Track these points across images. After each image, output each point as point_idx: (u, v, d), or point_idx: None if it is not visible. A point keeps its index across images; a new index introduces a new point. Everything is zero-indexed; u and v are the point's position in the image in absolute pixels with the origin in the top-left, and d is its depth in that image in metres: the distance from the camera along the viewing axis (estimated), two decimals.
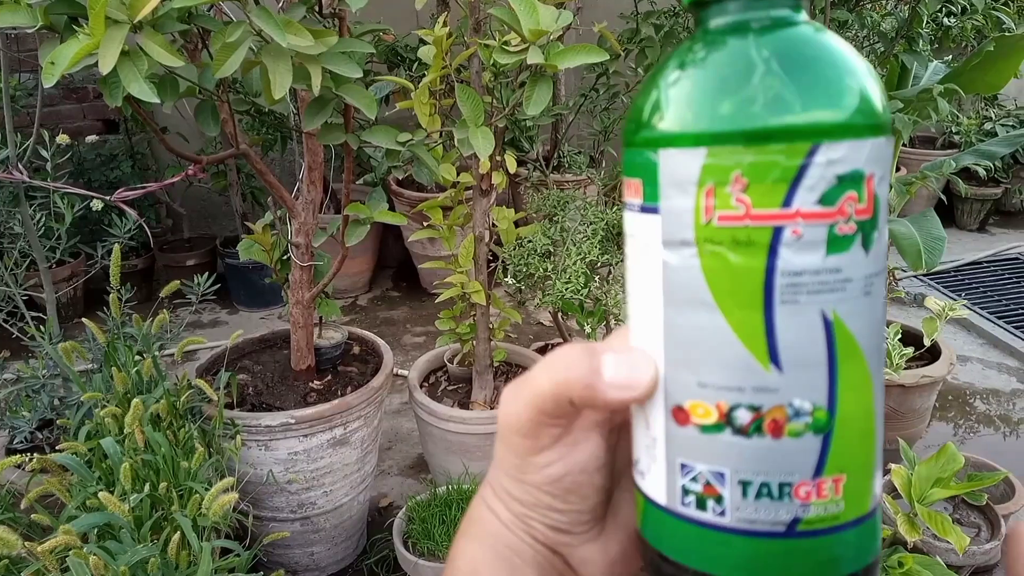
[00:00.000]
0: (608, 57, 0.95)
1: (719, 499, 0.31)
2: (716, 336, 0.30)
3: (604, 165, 2.75)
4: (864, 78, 0.29)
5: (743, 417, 0.30)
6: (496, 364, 1.80)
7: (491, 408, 1.74)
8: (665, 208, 0.30)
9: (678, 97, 0.30)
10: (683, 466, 0.31)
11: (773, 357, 0.29)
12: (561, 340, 1.95)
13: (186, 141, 2.95)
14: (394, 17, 1.28)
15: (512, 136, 1.47)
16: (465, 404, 1.80)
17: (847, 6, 1.38)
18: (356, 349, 1.86)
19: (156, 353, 1.36)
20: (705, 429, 0.30)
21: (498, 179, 1.51)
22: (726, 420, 0.30)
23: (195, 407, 1.38)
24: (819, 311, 0.29)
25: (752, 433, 0.30)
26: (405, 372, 2.46)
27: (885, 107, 0.30)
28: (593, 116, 1.78)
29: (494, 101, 1.41)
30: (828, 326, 0.29)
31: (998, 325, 2.58)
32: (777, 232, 0.28)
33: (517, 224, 1.68)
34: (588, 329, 1.58)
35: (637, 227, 0.32)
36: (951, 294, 2.80)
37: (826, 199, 0.28)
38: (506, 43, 0.98)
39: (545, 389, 0.32)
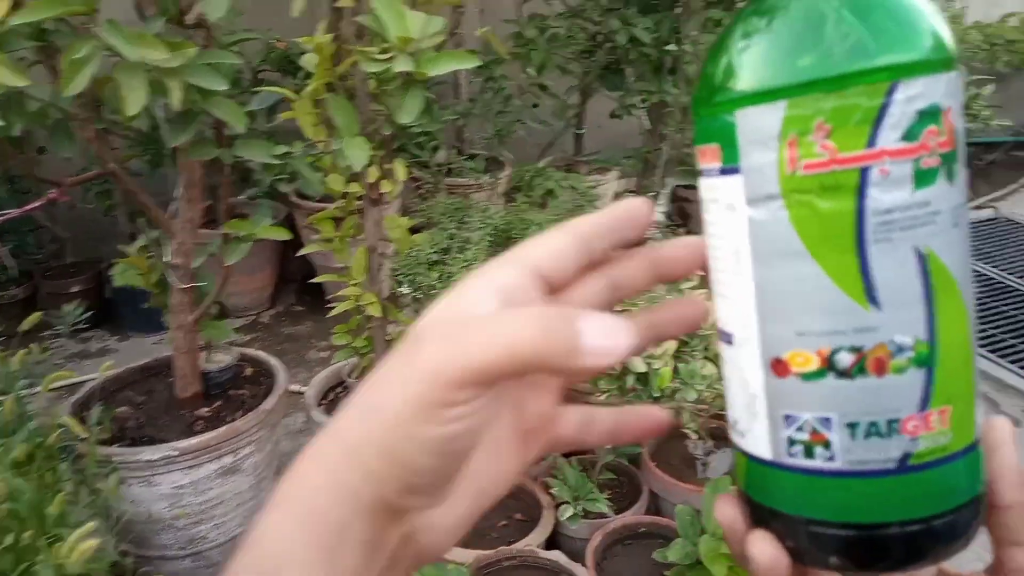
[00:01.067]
0: (479, 63, 0.93)
1: (827, 444, 0.31)
2: (811, 283, 0.30)
3: (505, 169, 2.74)
4: (931, 16, 0.30)
5: (845, 360, 0.30)
6: None
7: None
8: (746, 166, 0.31)
9: (751, 56, 0.30)
10: (787, 417, 0.32)
11: (871, 297, 0.30)
12: None
13: (68, 160, 2.79)
14: (291, 24, 1.23)
15: (402, 143, 1.44)
16: None
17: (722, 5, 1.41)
18: (248, 371, 1.79)
19: (20, 392, 1.27)
20: (807, 377, 0.31)
21: (388, 187, 1.48)
22: (828, 365, 0.30)
23: (68, 446, 1.29)
24: (912, 247, 0.30)
25: (856, 374, 0.30)
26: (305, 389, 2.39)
27: (953, 42, 0.31)
28: (487, 120, 1.76)
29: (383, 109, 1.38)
30: (922, 260, 0.30)
31: None
32: (864, 173, 0.29)
33: (419, 232, 1.65)
34: None
35: (719, 191, 0.32)
36: None
37: (909, 135, 0.29)
38: (381, 51, 0.95)
39: (525, 349, 0.28)
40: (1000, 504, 0.33)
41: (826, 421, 0.31)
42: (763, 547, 0.33)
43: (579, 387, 1.66)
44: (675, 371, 1.47)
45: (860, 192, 0.29)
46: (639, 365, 1.43)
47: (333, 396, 1.86)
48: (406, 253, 1.35)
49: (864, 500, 0.31)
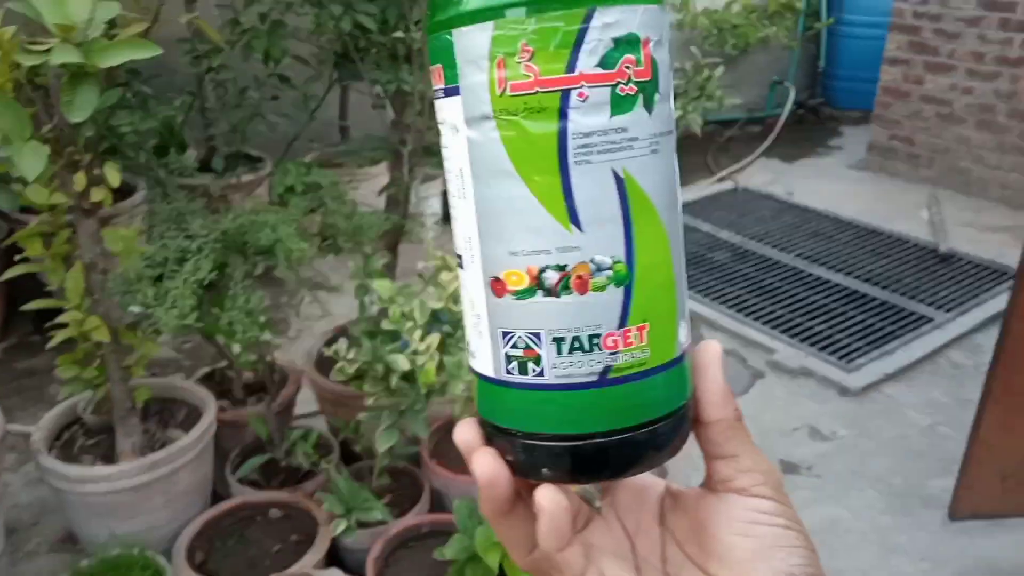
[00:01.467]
0: (159, 51, 0.82)
1: (537, 360, 0.32)
2: (520, 203, 0.31)
3: (265, 166, 2.57)
4: None
5: (551, 278, 0.31)
6: (142, 405, 1.59)
7: (142, 456, 1.53)
8: (464, 87, 0.31)
9: None
10: (504, 334, 0.33)
11: (573, 217, 0.31)
12: (228, 363, 1.78)
13: None
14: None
15: (112, 145, 1.28)
16: (110, 457, 1.56)
17: None
18: None
19: None
20: (519, 295, 0.32)
21: (100, 195, 1.31)
22: (537, 283, 0.32)
23: None
24: (610, 169, 0.31)
25: (561, 292, 0.31)
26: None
27: None
28: (222, 114, 1.62)
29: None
30: (620, 183, 0.31)
31: None
32: (565, 96, 0.30)
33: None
34: (238, 349, 1.45)
35: (445, 112, 0.33)
36: None
37: (606, 62, 0.30)
38: (33, 41, 0.82)
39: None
40: (706, 420, 0.35)
41: (536, 337, 0.32)
42: (484, 463, 0.34)
43: (345, 392, 1.58)
44: (440, 365, 1.44)
45: (562, 114, 0.30)
46: (403, 363, 1.38)
47: (68, 436, 1.64)
48: (124, 269, 1.20)
49: (571, 413, 0.33)
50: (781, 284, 2.80)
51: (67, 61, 0.78)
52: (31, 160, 0.84)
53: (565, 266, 0.31)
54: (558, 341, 0.32)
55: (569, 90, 0.30)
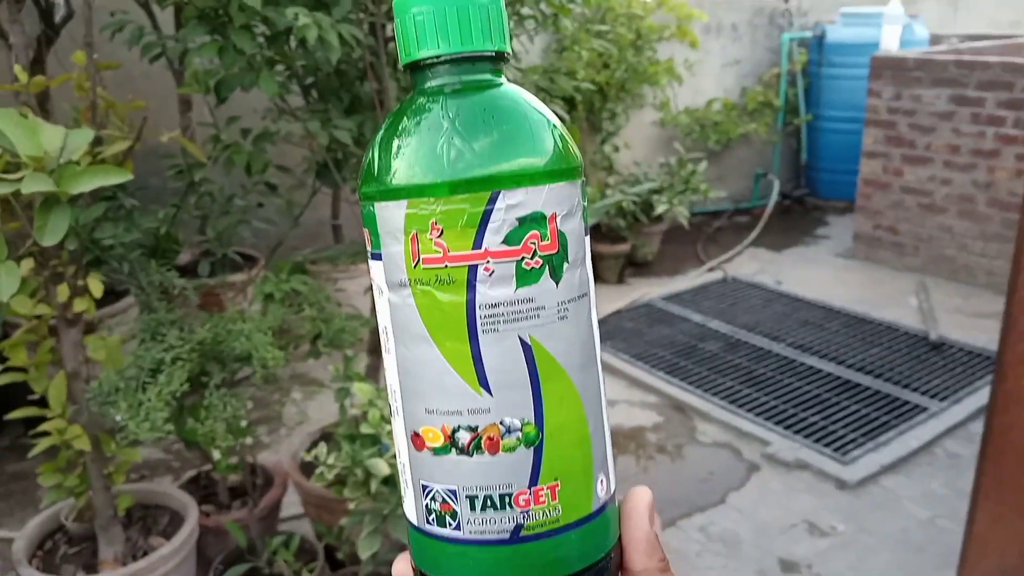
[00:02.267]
0: (129, 176, 0.86)
1: (454, 514, 0.34)
2: (435, 366, 0.33)
3: (258, 266, 2.61)
4: (542, 131, 0.33)
5: (464, 437, 0.33)
6: (125, 512, 1.57)
7: (123, 565, 1.50)
8: (385, 254, 0.34)
9: (383, 156, 0.33)
10: (424, 487, 0.34)
11: (483, 381, 0.32)
12: (211, 466, 1.77)
13: None
14: None
15: (96, 256, 1.31)
16: (92, 566, 1.53)
17: None
18: None
19: None
20: (436, 451, 0.33)
21: (83, 306, 1.33)
22: (451, 441, 0.33)
23: None
24: (517, 337, 0.32)
25: (473, 451, 0.33)
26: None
27: (566, 154, 0.34)
28: (208, 221, 1.67)
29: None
30: (527, 349, 0.32)
31: (636, 366, 2.86)
32: (472, 270, 0.32)
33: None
34: (218, 455, 1.44)
35: (373, 273, 0.35)
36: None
37: (510, 239, 0.32)
38: (15, 166, 0.85)
39: None
40: (632, 569, 0.36)
41: (452, 493, 0.34)
42: None
43: (328, 495, 1.56)
44: None
45: (470, 286, 0.32)
46: (383, 468, 1.37)
47: (51, 545, 1.61)
48: (100, 381, 1.21)
49: (485, 567, 0.34)
50: (773, 374, 2.80)
51: (38, 190, 0.82)
52: (5, 281, 0.87)
53: (476, 427, 0.33)
54: (471, 498, 0.33)
55: (476, 265, 0.32)
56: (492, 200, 0.32)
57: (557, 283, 0.33)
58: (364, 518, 1.40)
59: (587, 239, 0.36)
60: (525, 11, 1.38)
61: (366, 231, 0.35)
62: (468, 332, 0.32)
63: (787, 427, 2.45)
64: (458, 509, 0.34)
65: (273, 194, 1.63)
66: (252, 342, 1.15)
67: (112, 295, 2.29)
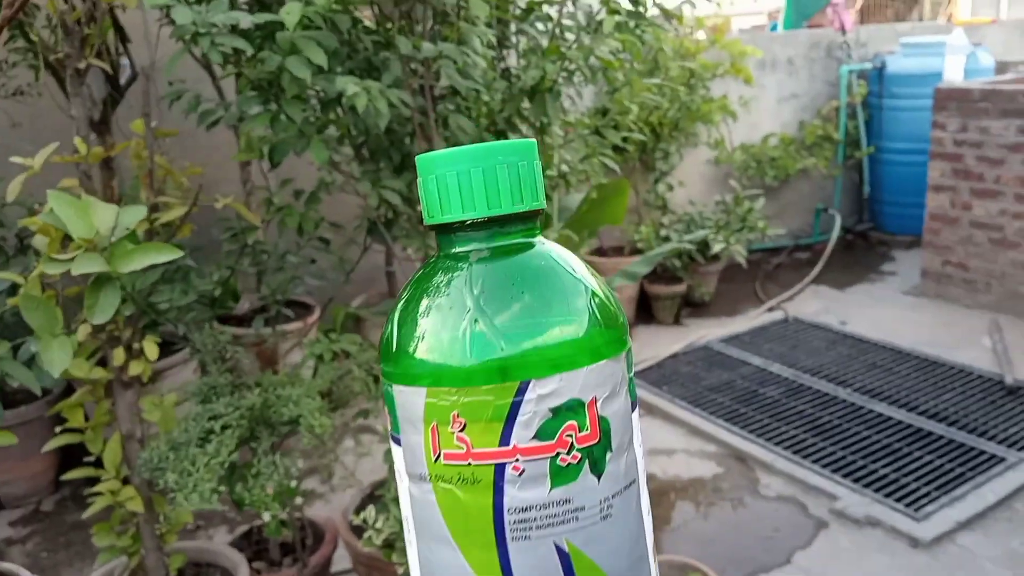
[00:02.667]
0: (180, 254, 0.87)
1: None
2: (458, 573, 0.29)
3: (314, 313, 2.64)
4: (577, 303, 0.29)
5: None
6: (177, 572, 1.57)
7: None
8: (405, 442, 0.30)
9: (402, 334, 0.30)
10: None
11: None
12: (262, 523, 1.76)
13: None
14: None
15: (152, 320, 1.32)
16: None
17: None
18: None
19: None
20: None
21: (138, 368, 1.35)
22: None
23: None
24: (552, 544, 0.28)
25: None
26: None
27: (606, 325, 0.29)
28: (263, 278, 1.69)
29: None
30: (565, 559, 0.28)
31: (695, 413, 2.79)
32: (499, 470, 0.28)
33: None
34: (268, 518, 1.43)
35: (395, 454, 0.31)
36: (654, 388, 2.99)
37: (543, 433, 0.28)
38: (62, 249, 0.87)
39: None
40: None
41: None
42: None
43: (378, 556, 1.54)
44: None
45: (496, 488, 0.28)
46: None
47: None
48: (149, 451, 1.21)
49: None
50: (840, 422, 2.69)
51: (89, 271, 0.83)
52: (58, 355, 0.88)
53: None
54: None
55: (503, 464, 0.28)
56: (521, 390, 0.28)
57: (599, 478, 0.29)
58: None
59: (634, 415, 0.31)
60: (572, 66, 1.37)
61: (386, 410, 0.32)
62: (496, 539, 0.28)
63: (855, 480, 2.34)
64: None
65: (326, 250, 1.64)
66: (300, 407, 1.14)
67: (168, 346, 2.34)
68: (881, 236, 4.66)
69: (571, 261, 0.31)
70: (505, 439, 0.28)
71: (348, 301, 2.84)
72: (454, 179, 0.30)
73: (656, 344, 3.40)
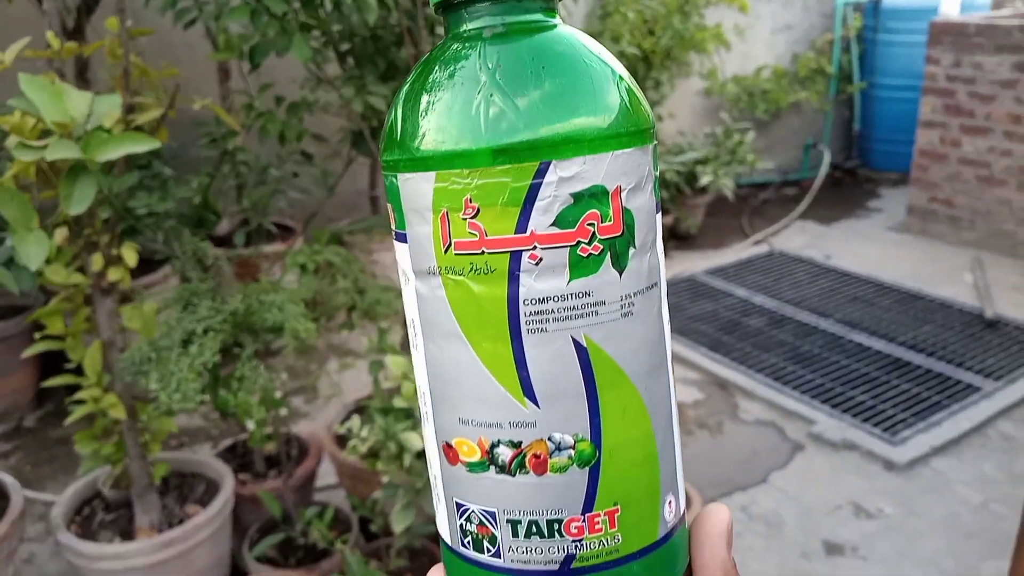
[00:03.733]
0: (158, 144, 0.83)
1: (493, 539, 0.29)
2: (469, 370, 0.28)
3: (296, 237, 2.61)
4: (605, 85, 0.27)
5: (505, 454, 0.28)
6: (161, 480, 1.58)
7: (159, 532, 1.51)
8: (411, 236, 0.28)
9: (408, 117, 0.28)
10: (459, 505, 0.30)
11: (527, 391, 0.27)
12: (248, 436, 1.77)
13: None
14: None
15: (131, 225, 1.30)
16: (129, 532, 1.55)
17: None
18: None
19: None
20: (471, 467, 0.29)
21: (117, 275, 1.32)
22: (489, 457, 0.28)
23: None
24: (570, 338, 0.27)
25: (516, 470, 0.28)
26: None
27: (635, 112, 0.27)
28: (244, 191, 1.65)
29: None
30: (583, 353, 0.27)
31: (678, 341, 2.81)
32: (515, 258, 0.26)
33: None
34: (252, 425, 1.43)
35: (398, 255, 0.30)
36: None
37: (562, 220, 0.26)
38: (47, 133, 0.84)
39: None
40: None
41: (491, 515, 0.29)
42: None
43: (362, 467, 1.55)
44: None
45: (511, 278, 0.26)
46: (416, 442, 1.35)
47: (88, 511, 1.64)
48: (131, 351, 1.20)
49: None
50: (820, 351, 2.72)
51: (63, 157, 0.80)
52: (34, 249, 0.85)
53: (520, 443, 0.28)
54: (513, 523, 0.28)
55: (520, 252, 0.26)
56: (540, 172, 0.26)
57: (621, 273, 0.27)
58: (398, 491, 1.38)
59: (659, 216, 0.29)
60: None
61: (389, 206, 0.29)
62: (510, 332, 0.27)
63: (834, 406, 2.38)
64: (498, 534, 0.29)
65: (309, 163, 1.61)
66: (284, 313, 1.13)
67: (150, 264, 2.31)
68: (869, 173, 4.65)
69: (596, 46, 0.29)
70: (522, 225, 0.26)
71: (329, 227, 2.81)
72: None
73: None
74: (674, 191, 3.62)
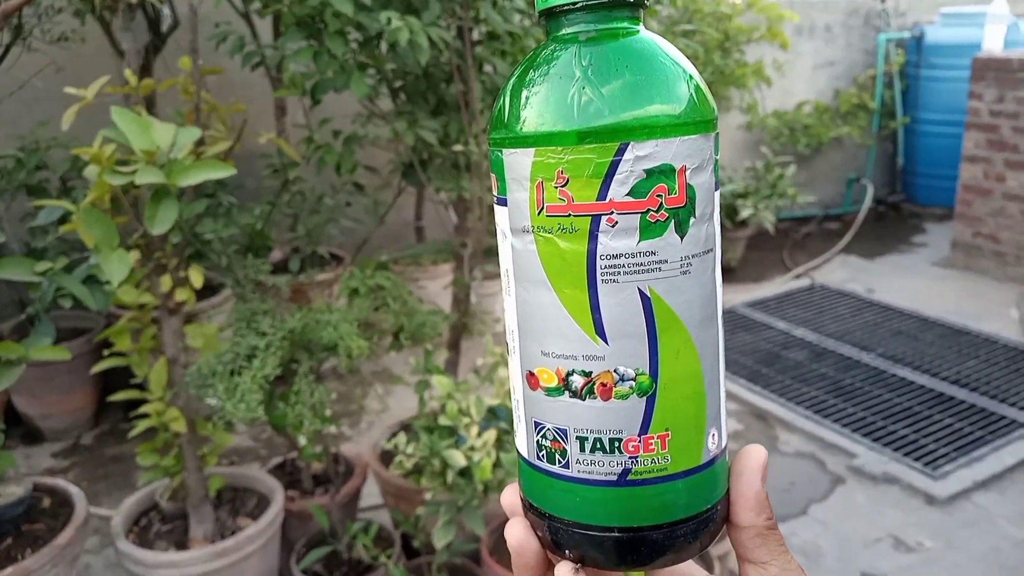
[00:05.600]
0: (233, 171, 0.92)
1: (563, 452, 0.35)
2: (552, 311, 0.34)
3: (345, 264, 2.70)
4: (676, 81, 0.33)
5: (577, 381, 0.34)
6: (216, 493, 1.65)
7: (212, 543, 1.58)
8: (511, 200, 0.34)
9: (513, 102, 0.34)
10: (536, 424, 0.36)
11: (599, 330, 0.33)
12: (298, 453, 1.84)
13: None
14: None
15: (198, 249, 1.39)
16: (183, 543, 1.62)
17: None
18: (46, 502, 1.63)
19: None
20: (549, 392, 0.35)
21: (184, 296, 1.41)
22: (564, 384, 0.34)
23: None
24: (636, 288, 0.33)
25: (586, 395, 0.34)
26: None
27: (701, 105, 0.33)
28: (300, 219, 1.74)
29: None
30: (646, 301, 0.33)
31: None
32: (595, 221, 0.32)
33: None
34: (304, 441, 1.50)
35: (497, 217, 0.36)
36: None
37: (636, 191, 0.32)
38: (124, 162, 0.92)
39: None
40: (737, 524, 0.37)
41: (563, 432, 0.35)
42: (515, 531, 0.37)
43: (406, 485, 1.61)
44: (497, 461, 1.45)
45: (591, 237, 0.32)
46: (459, 459, 1.40)
47: (145, 522, 1.72)
48: (199, 365, 1.28)
49: (592, 506, 0.35)
50: (862, 385, 2.71)
51: (150, 182, 0.88)
52: (117, 267, 0.93)
53: (590, 373, 0.34)
54: (581, 439, 0.34)
55: (599, 216, 0.32)
56: (620, 151, 0.32)
57: (682, 237, 0.33)
58: (440, 508, 1.43)
59: (717, 194, 0.35)
60: None
61: (493, 176, 0.36)
62: (587, 281, 0.33)
63: (875, 439, 2.37)
64: (568, 448, 0.35)
65: (360, 193, 1.69)
66: (339, 332, 1.20)
67: (210, 289, 2.41)
68: (913, 208, 4.62)
69: (673, 50, 0.35)
70: (603, 194, 0.32)
71: (377, 256, 2.90)
72: None
73: None
74: None
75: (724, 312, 3.10)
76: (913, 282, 3.61)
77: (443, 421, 1.34)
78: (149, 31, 2.05)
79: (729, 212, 3.59)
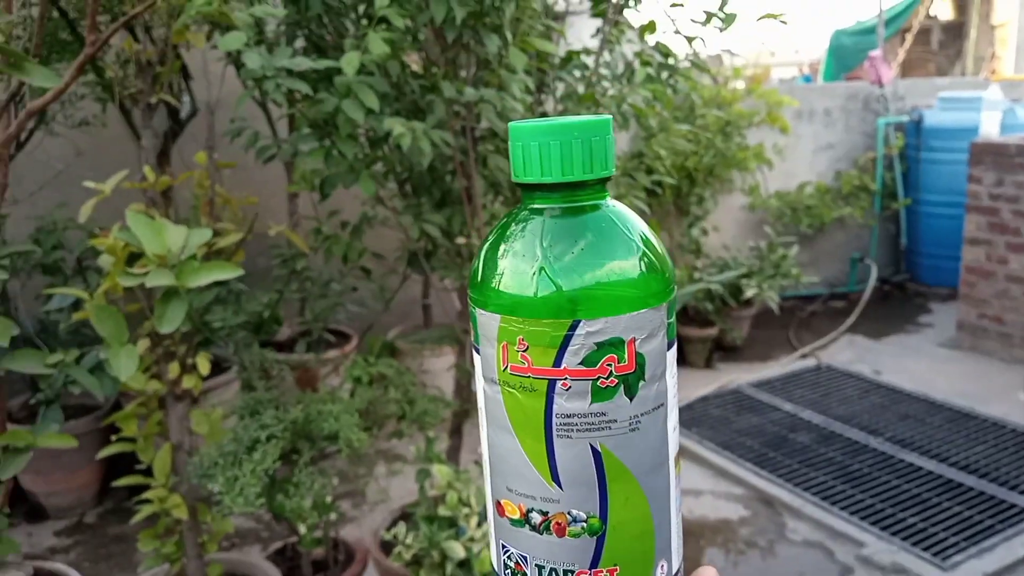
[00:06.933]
0: (241, 272, 0.95)
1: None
2: (515, 455, 0.37)
3: (351, 343, 2.73)
4: (628, 259, 0.37)
5: (536, 518, 0.38)
6: None
7: None
8: (483, 352, 0.38)
9: (486, 268, 0.38)
10: (503, 546, 0.40)
11: (555, 477, 0.37)
12: (297, 539, 1.83)
13: None
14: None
15: (206, 338, 1.42)
16: None
17: None
18: None
19: None
20: (513, 522, 0.39)
21: (191, 382, 1.44)
22: (525, 518, 0.38)
23: None
24: (588, 444, 0.36)
25: (543, 531, 0.37)
26: None
27: (652, 279, 0.37)
28: (307, 304, 1.78)
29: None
30: (597, 456, 0.36)
31: (723, 456, 2.80)
32: (551, 384, 0.36)
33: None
34: (304, 528, 1.50)
35: (474, 359, 0.40)
36: (683, 429, 3.01)
37: (587, 361, 0.36)
38: (137, 255, 0.96)
39: None
40: None
41: (524, 559, 0.38)
42: None
43: (402, 574, 1.59)
44: None
45: (548, 397, 0.36)
46: (459, 551, 1.40)
47: None
48: (201, 455, 1.29)
49: None
50: (870, 470, 2.68)
51: (160, 284, 0.92)
52: (125, 363, 0.97)
53: (547, 512, 0.37)
54: (539, 567, 0.38)
55: (555, 380, 0.36)
56: (572, 327, 0.35)
57: (631, 399, 0.37)
58: None
59: (670, 351, 0.39)
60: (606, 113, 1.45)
61: (470, 325, 0.40)
62: (545, 434, 0.36)
63: (883, 527, 2.33)
64: (528, 573, 0.38)
65: (367, 279, 1.73)
66: (340, 423, 1.22)
67: (216, 368, 2.44)
68: (918, 287, 4.64)
69: (630, 223, 0.38)
70: (558, 362, 0.36)
71: (385, 333, 2.93)
72: (535, 148, 0.37)
73: (687, 386, 3.42)
74: (719, 303, 3.68)
75: (729, 392, 3.09)
76: (920, 363, 3.60)
77: (443, 511, 1.34)
78: (168, 117, 2.13)
79: (733, 292, 3.62)
